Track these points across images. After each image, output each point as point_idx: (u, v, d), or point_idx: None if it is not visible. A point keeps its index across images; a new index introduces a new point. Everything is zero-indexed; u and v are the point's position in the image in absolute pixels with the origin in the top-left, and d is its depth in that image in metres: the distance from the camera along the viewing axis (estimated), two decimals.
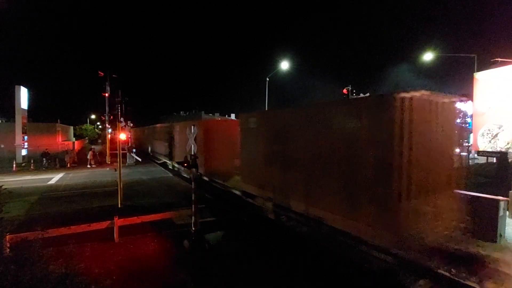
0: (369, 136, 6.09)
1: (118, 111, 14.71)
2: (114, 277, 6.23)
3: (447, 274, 5.56)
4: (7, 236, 5.07)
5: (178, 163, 16.37)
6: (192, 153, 8.41)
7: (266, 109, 21.93)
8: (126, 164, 25.41)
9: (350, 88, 20.27)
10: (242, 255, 7.47)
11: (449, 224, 6.37)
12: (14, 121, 28.50)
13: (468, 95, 13.35)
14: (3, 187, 4.63)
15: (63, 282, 4.10)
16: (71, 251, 5.78)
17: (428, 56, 22.25)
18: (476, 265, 6.05)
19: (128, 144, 25.56)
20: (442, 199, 6.34)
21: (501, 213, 7.30)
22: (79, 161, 27.28)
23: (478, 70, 15.34)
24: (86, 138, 63.78)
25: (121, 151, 11.99)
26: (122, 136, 11.28)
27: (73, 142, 43.60)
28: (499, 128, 11.00)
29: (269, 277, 6.37)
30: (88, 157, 25.80)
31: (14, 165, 23.71)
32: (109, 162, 27.13)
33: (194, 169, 8.20)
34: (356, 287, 6.04)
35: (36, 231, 5.76)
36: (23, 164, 25.68)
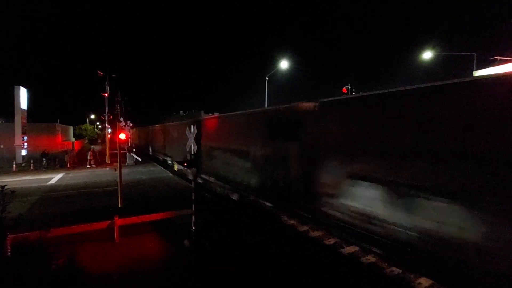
0: None
1: (117, 111, 14.72)
2: (115, 277, 6.25)
3: None
4: (9, 236, 5.08)
5: (177, 162, 16.37)
6: (192, 153, 8.43)
7: (266, 106, 22.00)
8: (126, 164, 25.41)
9: (349, 87, 20.28)
10: (243, 255, 7.48)
11: None
12: (13, 122, 28.49)
13: None
14: (6, 187, 4.64)
15: (64, 282, 4.12)
16: (72, 251, 5.79)
17: (427, 55, 22.29)
18: None
19: (128, 144, 25.57)
20: None
21: None
22: (79, 161, 27.27)
23: (478, 69, 15.36)
24: (86, 138, 63.74)
25: (121, 151, 12.00)
26: (122, 136, 11.27)
27: (73, 142, 43.56)
28: None
29: (270, 277, 6.40)
30: (88, 157, 25.81)
31: (14, 166, 23.71)
32: (109, 162, 27.14)
33: (194, 169, 8.22)
34: None
35: (37, 231, 5.77)
36: (23, 165, 25.68)
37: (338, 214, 7.70)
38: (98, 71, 25.41)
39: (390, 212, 6.37)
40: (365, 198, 6.96)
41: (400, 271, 6.20)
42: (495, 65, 12.04)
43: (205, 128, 16.14)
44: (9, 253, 4.79)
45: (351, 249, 7.40)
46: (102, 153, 33.04)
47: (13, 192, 4.70)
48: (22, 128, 28.06)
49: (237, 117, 13.66)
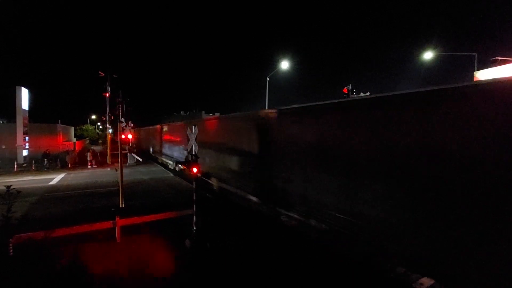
0: None
1: (119, 111, 14.74)
2: (116, 277, 6.27)
3: None
4: (14, 236, 5.12)
5: (178, 162, 16.39)
6: (194, 153, 8.44)
7: (267, 108, 22.08)
8: (127, 164, 25.47)
9: (350, 87, 20.25)
10: (244, 255, 7.50)
11: None
12: (15, 122, 28.56)
13: None
14: (12, 186, 4.68)
15: (68, 282, 4.15)
16: (73, 251, 5.82)
17: (428, 55, 22.27)
18: None
19: (129, 144, 25.63)
20: None
21: None
22: (80, 161, 27.36)
23: (479, 69, 15.35)
24: (87, 138, 63.87)
25: (122, 151, 12.04)
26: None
27: (74, 143, 43.71)
28: None
29: (270, 276, 6.41)
30: (88, 157, 25.99)
31: (15, 166, 23.78)
32: (110, 162, 27.20)
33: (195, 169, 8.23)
34: None
35: (39, 231, 5.80)
36: (24, 165, 25.75)
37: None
38: (100, 72, 25.49)
39: None
40: None
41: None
42: (496, 65, 11.97)
43: (200, 128, 17.21)
44: (12, 253, 4.83)
45: None
46: (103, 154, 33.11)
47: (18, 192, 4.74)
48: (23, 129, 28.13)
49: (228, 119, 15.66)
